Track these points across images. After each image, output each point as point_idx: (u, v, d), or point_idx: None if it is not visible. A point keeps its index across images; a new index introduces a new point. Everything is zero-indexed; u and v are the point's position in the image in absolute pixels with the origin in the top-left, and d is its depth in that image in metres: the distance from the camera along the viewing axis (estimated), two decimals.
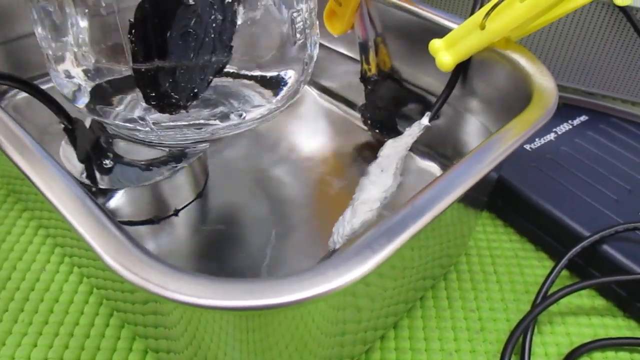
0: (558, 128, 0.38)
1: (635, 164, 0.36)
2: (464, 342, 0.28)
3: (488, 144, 0.22)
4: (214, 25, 0.25)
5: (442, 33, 0.30)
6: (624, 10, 0.36)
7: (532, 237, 0.34)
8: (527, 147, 0.36)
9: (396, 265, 0.23)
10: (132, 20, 0.24)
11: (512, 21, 0.27)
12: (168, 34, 0.24)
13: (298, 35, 0.28)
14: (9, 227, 0.33)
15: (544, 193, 0.33)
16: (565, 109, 0.40)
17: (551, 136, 0.38)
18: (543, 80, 0.26)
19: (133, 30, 0.24)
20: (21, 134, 0.22)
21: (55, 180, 0.20)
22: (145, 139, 0.29)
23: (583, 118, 0.40)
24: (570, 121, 0.39)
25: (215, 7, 0.25)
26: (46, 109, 0.28)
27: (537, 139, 0.37)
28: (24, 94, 0.29)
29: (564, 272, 0.32)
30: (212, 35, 0.25)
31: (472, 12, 0.29)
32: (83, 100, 0.28)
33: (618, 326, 0.29)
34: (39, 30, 0.27)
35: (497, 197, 0.35)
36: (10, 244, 0.32)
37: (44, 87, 0.35)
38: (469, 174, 0.20)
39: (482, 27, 0.28)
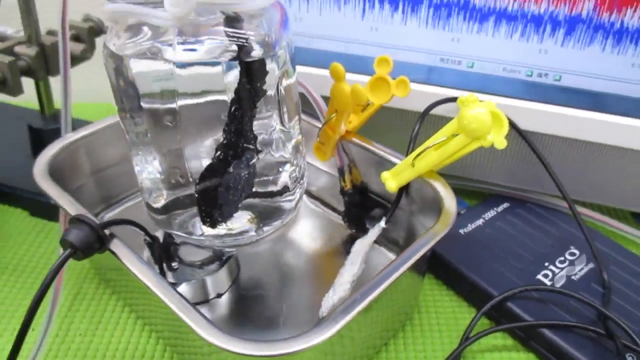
0: (486, 215, 0.53)
1: (538, 239, 0.50)
2: None
3: (406, 253, 0.37)
4: (243, 179, 0.41)
5: (390, 163, 0.45)
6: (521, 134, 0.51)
7: (465, 296, 0.48)
8: (461, 231, 0.51)
9: (365, 322, 0.37)
10: (197, 179, 0.40)
11: (430, 163, 0.42)
12: (219, 188, 0.40)
13: (292, 183, 0.44)
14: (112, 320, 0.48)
15: (470, 265, 0.47)
16: (492, 199, 0.55)
17: (480, 221, 0.52)
18: (449, 202, 0.41)
19: (197, 187, 0.40)
20: (134, 257, 0.38)
21: (156, 282, 0.35)
22: (199, 243, 0.45)
23: (505, 205, 0.55)
24: (495, 208, 0.54)
25: (244, 169, 0.41)
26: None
27: (469, 224, 0.52)
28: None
29: (485, 321, 0.46)
30: (242, 183, 0.41)
31: (407, 155, 0.45)
32: (159, 219, 0.44)
33: (521, 359, 0.44)
34: (135, 163, 0.43)
35: (439, 268, 0.49)
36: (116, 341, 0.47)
37: (129, 204, 0.51)
38: (392, 274, 0.35)
39: (413, 165, 0.43)
